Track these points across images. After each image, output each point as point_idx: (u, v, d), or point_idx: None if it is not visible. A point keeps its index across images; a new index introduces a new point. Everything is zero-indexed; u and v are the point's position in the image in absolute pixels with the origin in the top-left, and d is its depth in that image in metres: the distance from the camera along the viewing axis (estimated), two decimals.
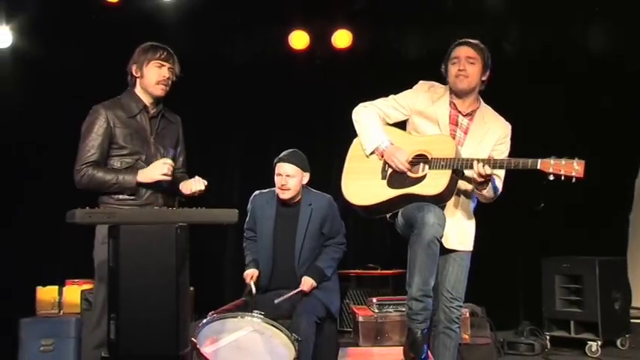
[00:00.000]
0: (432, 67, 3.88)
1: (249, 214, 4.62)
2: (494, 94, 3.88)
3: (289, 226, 4.47)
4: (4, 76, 5.98)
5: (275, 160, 4.52)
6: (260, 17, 6.26)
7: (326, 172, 4.18)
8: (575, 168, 3.42)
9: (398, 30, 6.37)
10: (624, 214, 6.76)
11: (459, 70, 3.69)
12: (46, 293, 5.65)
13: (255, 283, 4.39)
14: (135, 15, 5.82)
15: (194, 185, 3.72)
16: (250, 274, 4.45)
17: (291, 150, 4.54)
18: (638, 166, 6.78)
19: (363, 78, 6.00)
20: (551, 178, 3.46)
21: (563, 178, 3.44)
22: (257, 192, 4.67)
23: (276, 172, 4.48)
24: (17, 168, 5.92)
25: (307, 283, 4.32)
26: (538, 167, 3.46)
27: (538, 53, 6.33)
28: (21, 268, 5.85)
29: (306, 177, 4.50)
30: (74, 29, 6.03)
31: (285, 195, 4.44)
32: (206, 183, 3.74)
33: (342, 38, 6.29)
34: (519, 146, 3.78)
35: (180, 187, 3.76)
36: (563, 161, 3.43)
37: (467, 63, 3.69)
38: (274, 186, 4.52)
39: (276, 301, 4.18)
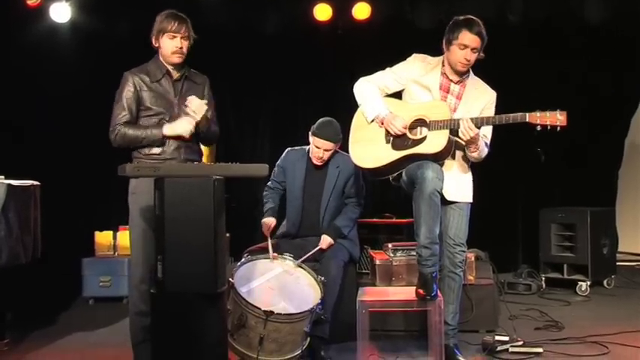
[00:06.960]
0: (442, 37, 3.72)
1: (278, 167, 4.48)
2: (497, 62, 3.77)
3: (317, 184, 4.35)
4: (64, 47, 5.96)
5: (314, 132, 4.24)
6: None
7: (345, 131, 4.09)
8: (558, 118, 3.39)
9: (412, 3, 6.23)
10: (614, 169, 6.68)
11: (465, 59, 3.59)
12: (103, 237, 5.75)
13: (272, 234, 4.26)
14: None
15: (192, 105, 3.45)
16: (268, 223, 4.30)
17: (328, 121, 4.25)
18: (628, 126, 6.65)
19: (381, 46, 5.90)
20: (539, 129, 3.41)
21: (549, 127, 3.39)
22: (289, 148, 4.51)
23: (313, 142, 4.26)
24: (77, 129, 5.89)
25: (326, 241, 4.22)
26: (527, 120, 3.42)
27: (538, 23, 6.16)
28: (82, 216, 5.94)
29: (338, 145, 4.30)
30: (123, 3, 5.97)
31: (319, 163, 4.31)
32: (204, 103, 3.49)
33: (361, 10, 6.17)
34: (515, 108, 3.57)
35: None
36: (547, 113, 3.40)
37: (472, 53, 3.59)
38: (303, 144, 4.42)
39: (299, 262, 4.02)
